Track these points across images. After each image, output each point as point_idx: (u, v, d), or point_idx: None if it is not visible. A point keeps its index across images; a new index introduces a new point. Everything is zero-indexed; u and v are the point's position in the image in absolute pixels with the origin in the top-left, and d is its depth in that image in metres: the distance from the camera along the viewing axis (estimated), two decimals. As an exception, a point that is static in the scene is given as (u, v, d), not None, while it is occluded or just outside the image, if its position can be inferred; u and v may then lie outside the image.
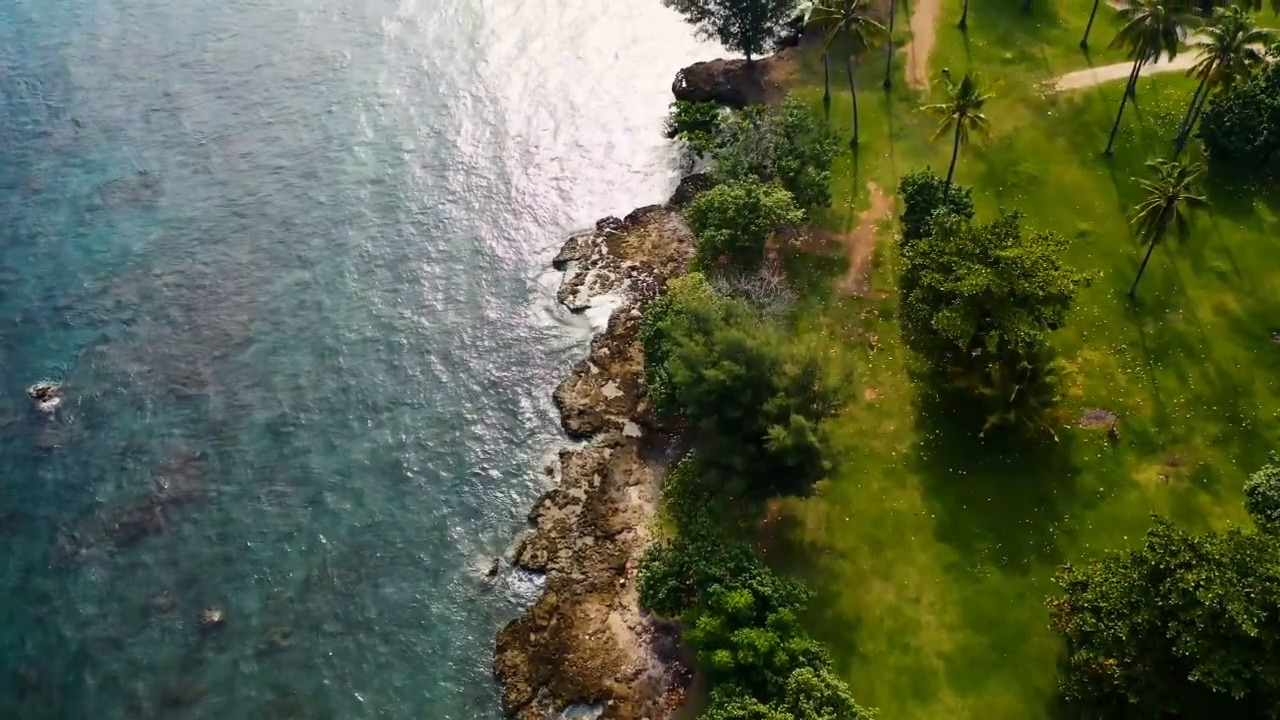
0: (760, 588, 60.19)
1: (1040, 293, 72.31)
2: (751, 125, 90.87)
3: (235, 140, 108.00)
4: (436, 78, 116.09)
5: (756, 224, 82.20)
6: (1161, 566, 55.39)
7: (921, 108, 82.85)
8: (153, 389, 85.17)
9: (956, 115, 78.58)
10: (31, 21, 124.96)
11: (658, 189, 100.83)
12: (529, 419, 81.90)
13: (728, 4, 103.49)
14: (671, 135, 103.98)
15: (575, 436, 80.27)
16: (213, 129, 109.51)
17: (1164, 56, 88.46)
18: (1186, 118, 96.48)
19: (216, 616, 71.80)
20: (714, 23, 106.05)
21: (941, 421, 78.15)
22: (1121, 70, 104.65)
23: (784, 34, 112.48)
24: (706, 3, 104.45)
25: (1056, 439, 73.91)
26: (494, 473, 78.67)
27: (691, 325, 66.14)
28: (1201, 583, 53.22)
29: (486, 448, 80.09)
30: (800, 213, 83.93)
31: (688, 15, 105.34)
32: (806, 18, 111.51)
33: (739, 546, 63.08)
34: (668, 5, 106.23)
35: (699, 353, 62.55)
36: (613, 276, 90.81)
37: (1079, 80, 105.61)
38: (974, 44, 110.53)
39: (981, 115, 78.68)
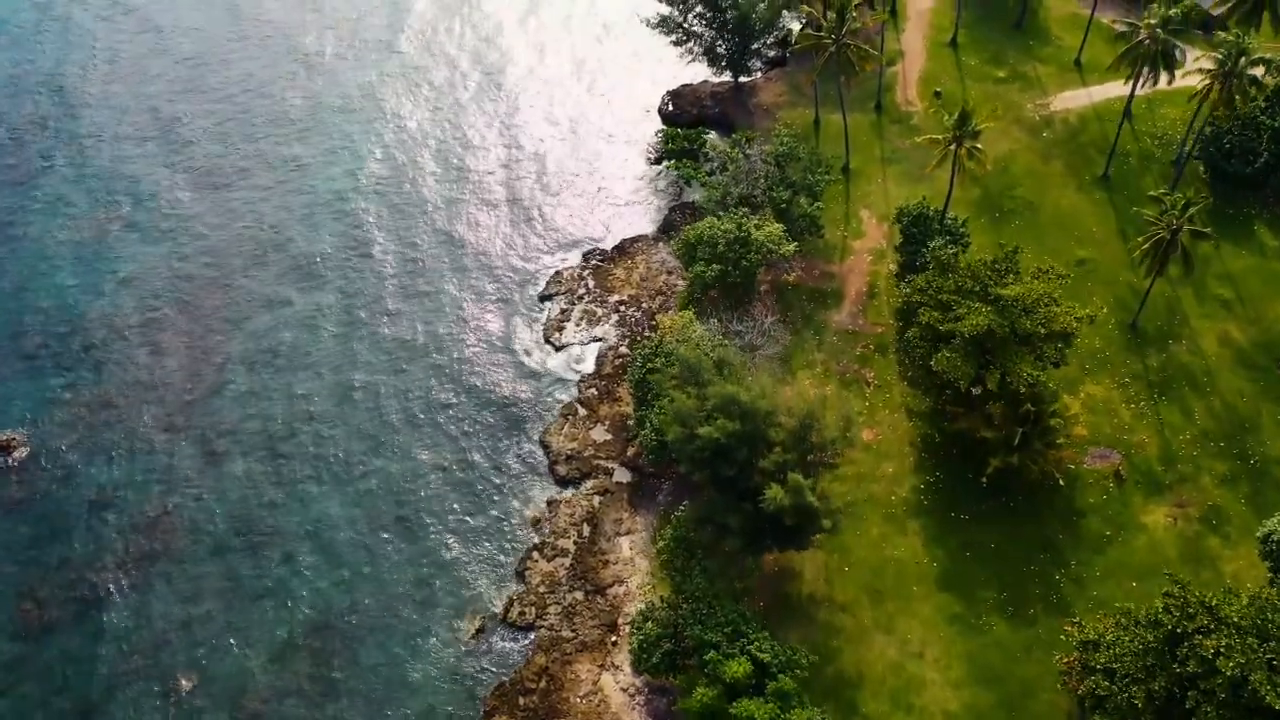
0: (759, 654, 57.47)
1: (1042, 330, 69.90)
2: (740, 154, 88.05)
3: (215, 172, 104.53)
4: (422, 102, 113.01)
5: (748, 259, 79.53)
6: (1179, 631, 52.92)
7: (918, 140, 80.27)
8: (123, 438, 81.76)
9: (953, 147, 75.89)
10: (17, 43, 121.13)
11: (644, 217, 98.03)
12: (515, 465, 78.88)
13: (713, 27, 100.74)
14: (657, 161, 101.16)
15: (563, 483, 77.32)
16: (197, 158, 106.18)
17: (1162, 77, 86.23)
18: (1184, 139, 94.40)
19: (189, 683, 68.56)
20: (700, 44, 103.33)
21: (942, 463, 75.61)
22: (1116, 89, 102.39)
23: (772, 54, 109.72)
24: (691, 25, 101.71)
25: (1061, 482, 71.43)
26: (479, 524, 75.66)
27: (683, 375, 63.34)
28: (1221, 650, 50.78)
29: (471, 497, 77.06)
30: (793, 246, 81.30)
31: (673, 38, 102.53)
32: (794, 37, 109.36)
33: (735, 610, 60.30)
34: (652, 29, 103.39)
35: (691, 407, 59.77)
36: (600, 312, 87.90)
37: (1074, 100, 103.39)
38: (966, 63, 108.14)
39: (978, 146, 76.16)
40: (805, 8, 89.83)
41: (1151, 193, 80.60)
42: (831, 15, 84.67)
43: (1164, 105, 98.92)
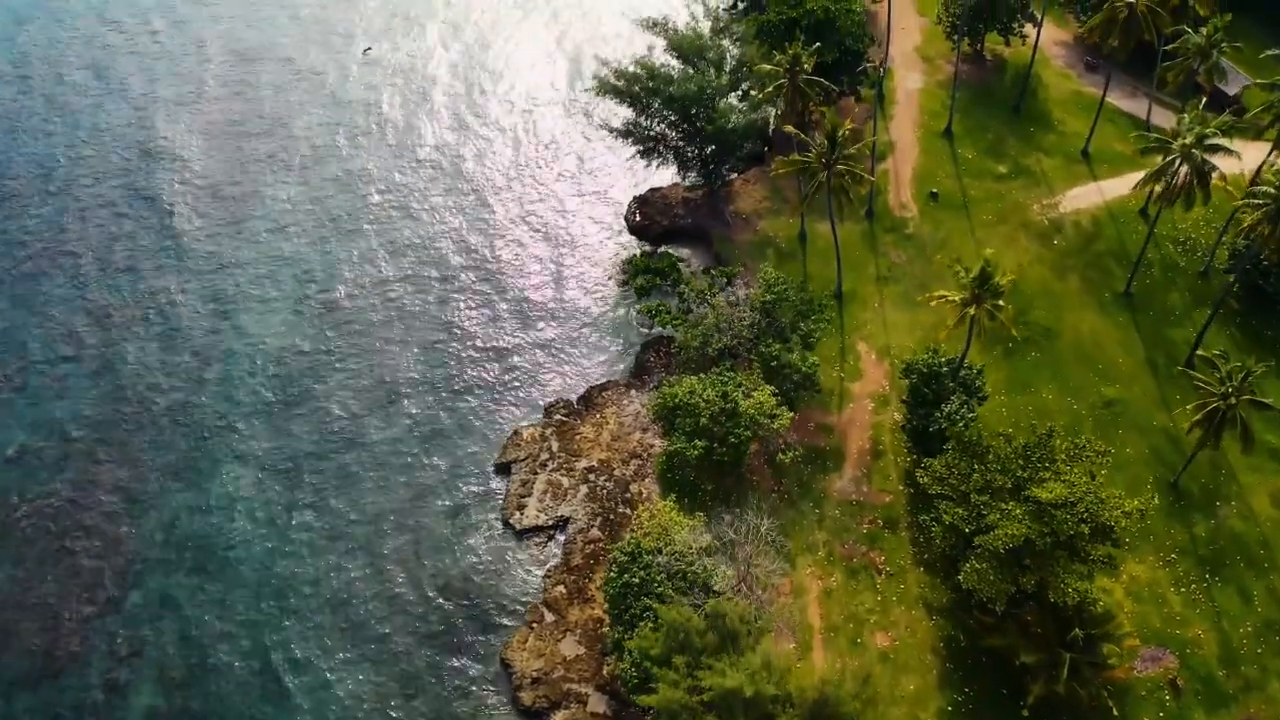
0: None
1: (1086, 529, 59.45)
2: (721, 298, 76.79)
3: (118, 313, 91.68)
4: (363, 222, 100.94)
5: (736, 434, 68.39)
6: None
7: (931, 303, 69.54)
8: (4, 669, 69.01)
9: (971, 307, 65.10)
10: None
11: (613, 356, 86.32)
12: (471, 692, 66.90)
13: (683, 134, 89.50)
14: (624, 284, 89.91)
15: (528, 715, 65.57)
16: (93, 300, 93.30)
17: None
18: (1213, 249, 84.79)
19: None
20: (669, 147, 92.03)
21: (971, 674, 64.87)
22: (1129, 183, 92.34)
23: (748, 148, 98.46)
24: (659, 130, 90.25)
25: (1114, 710, 60.86)
26: (431, 777, 63.96)
27: (670, 643, 52.03)
28: None
29: (420, 742, 65.28)
30: (788, 418, 70.21)
31: (639, 148, 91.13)
32: (773, 123, 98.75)
33: None
34: (614, 136, 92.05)
35: (681, 698, 48.50)
36: (566, 483, 76.29)
37: (1084, 198, 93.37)
38: (962, 156, 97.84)
39: (1000, 304, 65.44)
40: (789, 129, 78.70)
41: (1201, 351, 70.29)
42: (821, 139, 73.63)
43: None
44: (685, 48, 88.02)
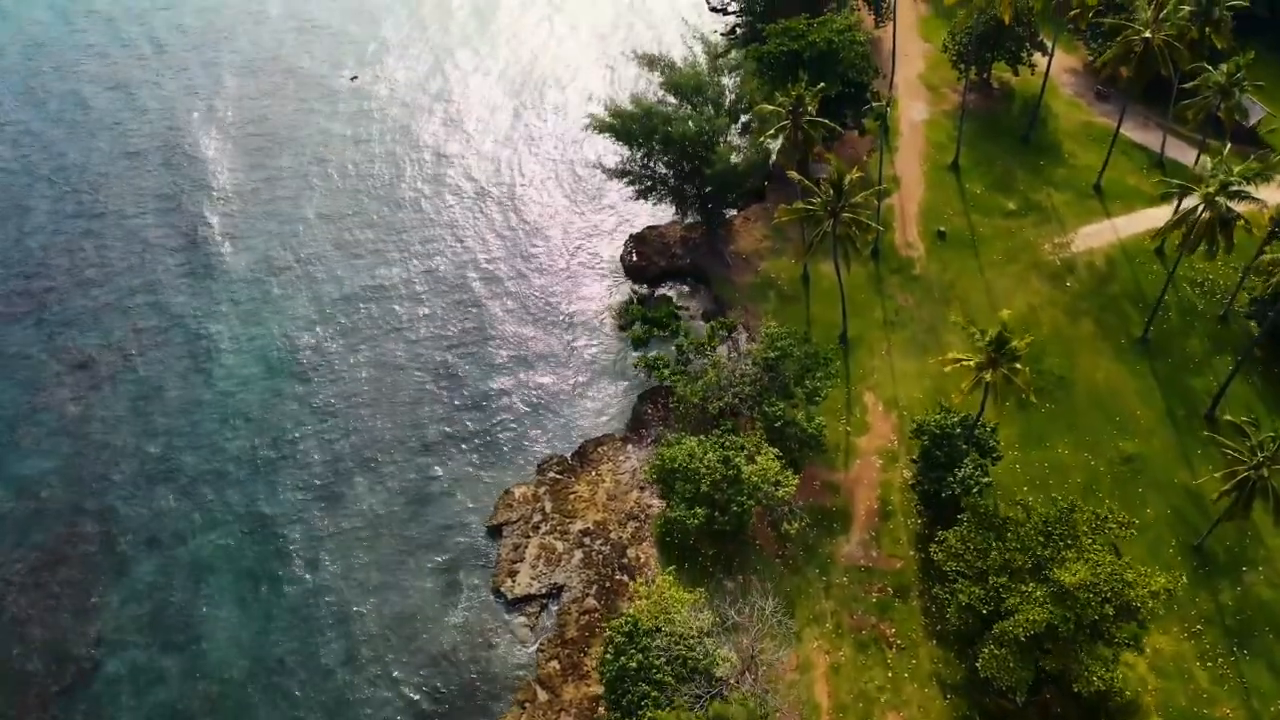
0: None
1: (1111, 610, 56.04)
2: (723, 353, 73.20)
3: (93, 364, 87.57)
4: (337, 259, 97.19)
5: (738, 502, 64.79)
6: None
7: (946, 368, 65.94)
8: (-34, 755, 65.39)
9: (987, 372, 61.52)
10: None
11: (609, 407, 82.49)
12: (460, 783, 63.48)
13: (681, 174, 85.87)
14: (621, 329, 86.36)
15: (522, 804, 62.11)
16: (66, 342, 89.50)
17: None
18: (1233, 293, 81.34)
19: None
20: (666, 185, 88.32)
21: (988, 759, 61.45)
22: (1143, 220, 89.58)
23: (750, 184, 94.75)
24: (656, 169, 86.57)
25: (1143, 802, 57.59)
26: None
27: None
28: None
29: (405, 835, 61.58)
30: (794, 483, 66.60)
31: (635, 187, 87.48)
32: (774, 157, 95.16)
33: None
34: (610, 175, 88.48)
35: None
36: (560, 547, 72.58)
37: (1097, 235, 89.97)
38: (970, 190, 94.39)
39: (1018, 366, 61.87)
40: (792, 174, 75.04)
41: (1229, 417, 66.77)
42: (826, 186, 70.07)
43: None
44: (683, 86, 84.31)
